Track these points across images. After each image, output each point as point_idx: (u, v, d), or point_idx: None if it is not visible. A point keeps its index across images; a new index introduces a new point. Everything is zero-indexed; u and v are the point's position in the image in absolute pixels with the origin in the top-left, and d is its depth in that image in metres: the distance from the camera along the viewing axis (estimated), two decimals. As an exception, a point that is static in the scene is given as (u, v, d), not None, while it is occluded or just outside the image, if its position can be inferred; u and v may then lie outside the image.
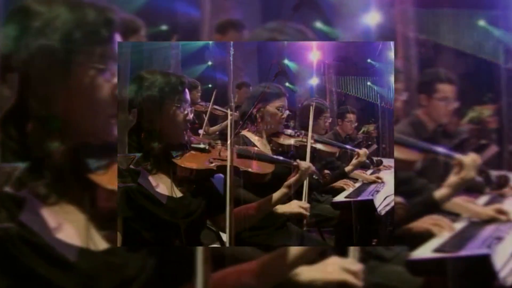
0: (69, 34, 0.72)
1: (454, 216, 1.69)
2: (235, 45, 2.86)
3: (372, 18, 7.34)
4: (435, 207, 1.48)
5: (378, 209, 2.63)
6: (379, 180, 3.09)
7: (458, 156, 1.45)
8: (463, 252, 1.33)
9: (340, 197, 2.93)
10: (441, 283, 1.40)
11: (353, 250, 1.08)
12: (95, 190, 0.77)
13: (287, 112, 2.22)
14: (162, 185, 1.43)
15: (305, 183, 1.82)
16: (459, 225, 1.62)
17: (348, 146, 2.60)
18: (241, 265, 0.92)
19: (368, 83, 9.32)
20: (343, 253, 1.09)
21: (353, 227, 2.88)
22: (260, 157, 1.63)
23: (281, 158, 1.79)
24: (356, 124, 4.35)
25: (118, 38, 0.77)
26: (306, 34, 1.17)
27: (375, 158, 2.57)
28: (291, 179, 1.61)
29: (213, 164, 1.49)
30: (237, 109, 4.61)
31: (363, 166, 3.21)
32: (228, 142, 1.44)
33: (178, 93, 1.44)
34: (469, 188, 1.68)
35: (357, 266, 1.05)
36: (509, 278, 1.21)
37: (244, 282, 0.89)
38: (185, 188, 1.47)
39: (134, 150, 1.40)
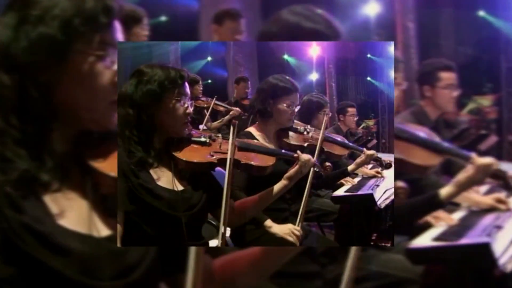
0: (68, 21, 0.72)
1: (454, 205, 1.69)
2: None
3: (372, 9, 7.33)
4: (439, 206, 1.47)
5: (378, 203, 2.64)
6: (379, 175, 3.09)
7: (475, 156, 1.41)
8: (463, 241, 1.33)
9: (340, 191, 2.94)
10: (441, 271, 1.41)
11: None
12: (97, 177, 0.78)
13: (298, 107, 2.13)
14: (163, 179, 1.44)
15: (308, 181, 1.80)
16: (459, 214, 1.63)
17: (359, 148, 2.54)
18: (243, 251, 0.93)
19: (368, 78, 9.31)
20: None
21: (353, 221, 2.89)
22: (261, 150, 1.63)
23: (282, 151, 1.79)
24: (357, 118, 4.34)
25: (117, 25, 0.77)
26: (330, 23, 1.09)
27: (384, 161, 2.53)
28: (291, 171, 1.61)
29: (214, 157, 1.50)
30: (236, 104, 4.61)
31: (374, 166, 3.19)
32: (230, 136, 1.45)
33: (178, 87, 1.45)
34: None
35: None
36: (509, 264, 1.22)
37: (246, 270, 0.90)
38: (186, 181, 1.48)
39: (134, 144, 1.41)
